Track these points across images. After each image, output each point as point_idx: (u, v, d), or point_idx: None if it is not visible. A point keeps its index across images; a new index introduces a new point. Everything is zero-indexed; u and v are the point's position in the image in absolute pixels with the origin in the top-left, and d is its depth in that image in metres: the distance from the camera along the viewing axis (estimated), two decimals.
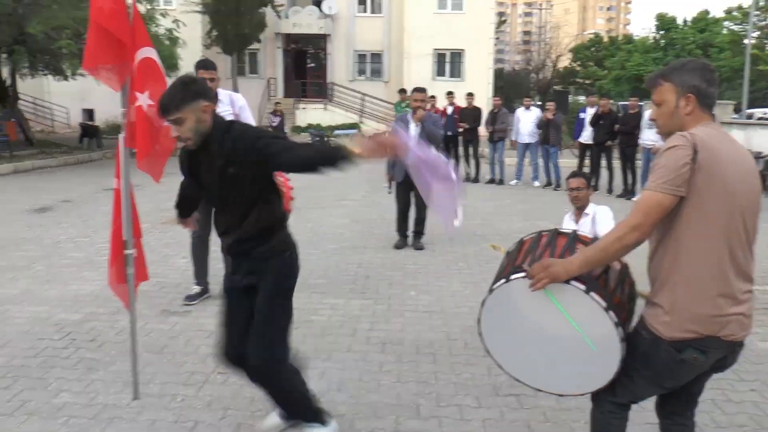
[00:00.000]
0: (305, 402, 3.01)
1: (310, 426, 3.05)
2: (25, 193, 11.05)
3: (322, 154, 2.62)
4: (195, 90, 2.65)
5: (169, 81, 3.01)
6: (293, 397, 2.99)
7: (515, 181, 13.12)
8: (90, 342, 4.25)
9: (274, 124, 18.78)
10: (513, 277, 2.33)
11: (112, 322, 4.59)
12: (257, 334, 2.82)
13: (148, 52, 3.32)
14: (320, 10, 28.42)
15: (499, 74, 37.41)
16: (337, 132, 22.32)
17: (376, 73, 29.81)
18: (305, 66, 30.99)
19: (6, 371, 3.78)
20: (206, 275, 5.16)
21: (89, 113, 26.32)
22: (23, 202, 9.88)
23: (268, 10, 26.02)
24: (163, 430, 3.14)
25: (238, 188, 2.72)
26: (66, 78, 19.70)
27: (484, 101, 22.11)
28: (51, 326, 4.55)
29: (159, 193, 7.77)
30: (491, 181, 13.10)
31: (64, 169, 15.37)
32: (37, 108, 28.15)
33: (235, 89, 22.49)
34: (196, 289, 5.11)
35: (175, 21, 17.30)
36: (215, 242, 5.08)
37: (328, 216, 8.98)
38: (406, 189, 7.01)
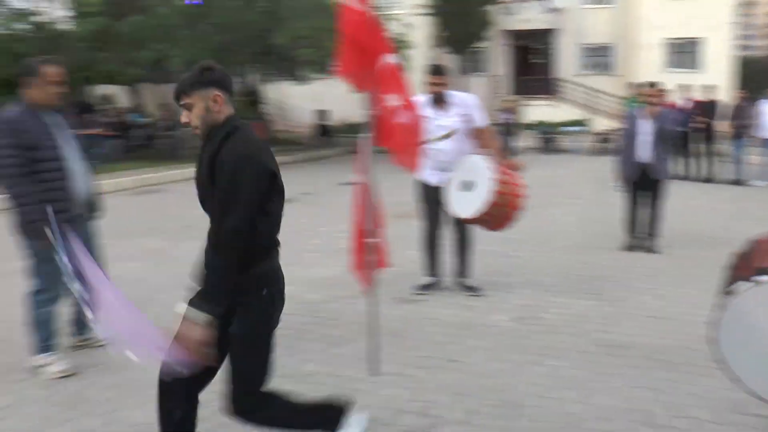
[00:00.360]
0: (309, 417, 2.73)
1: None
2: None
3: (222, 255, 2.35)
4: (210, 77, 2.48)
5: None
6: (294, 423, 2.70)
7: (761, 181, 11.81)
8: (332, 321, 4.67)
9: (506, 121, 18.73)
10: (762, 279, 2.13)
11: (352, 305, 4.97)
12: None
13: (390, 58, 3.58)
14: (547, 5, 27.96)
15: (745, 62, 33.76)
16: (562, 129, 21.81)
17: (604, 67, 28.66)
18: (529, 62, 30.66)
19: None
20: (437, 267, 5.38)
21: (324, 114, 28.47)
22: None
23: (494, 8, 26.17)
24: (399, 406, 3.35)
25: (209, 200, 2.46)
26: (305, 82, 21.54)
27: (724, 93, 20.22)
28: (297, 304, 5.05)
29: (393, 189, 8.22)
30: (735, 182, 11.93)
31: (302, 165, 16.86)
32: (281, 110, 31.13)
33: (464, 89, 22.96)
34: (427, 280, 5.35)
35: (406, 25, 18.08)
36: (445, 236, 5.34)
37: (557, 214, 8.87)
38: (635, 188, 6.69)
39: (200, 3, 14.07)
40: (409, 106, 3.65)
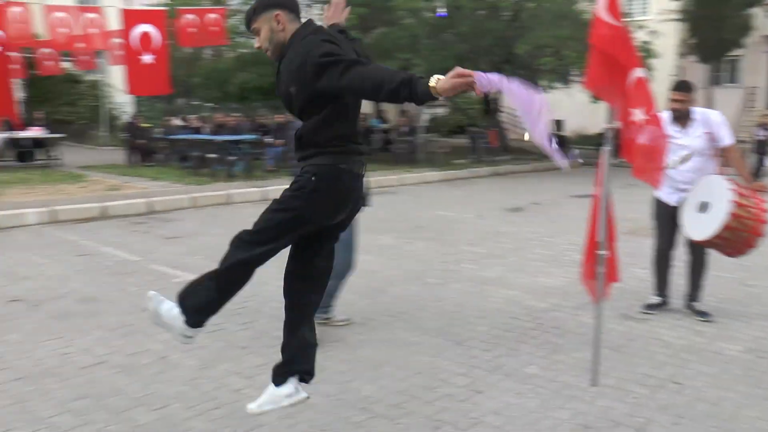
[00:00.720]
0: (204, 297, 2.81)
1: (175, 311, 2.79)
2: (502, 193, 12.57)
3: (399, 80, 2.32)
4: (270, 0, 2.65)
5: None
6: (211, 284, 2.80)
7: None
8: (554, 328, 4.74)
9: (761, 138, 17.04)
10: None
11: (575, 315, 5.01)
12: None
13: (640, 72, 3.58)
14: None
15: None
16: None
17: None
18: None
19: (488, 337, 4.53)
20: (666, 288, 5.20)
21: (558, 124, 28.01)
22: (500, 201, 11.30)
23: (757, 11, 23.73)
24: (616, 419, 3.37)
25: (294, 106, 2.68)
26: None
27: None
28: (521, 309, 5.21)
29: (628, 204, 8.00)
30: None
31: (533, 175, 16.85)
32: (515, 119, 31.19)
33: (710, 102, 21.24)
34: (655, 300, 5.19)
35: (653, 32, 17.21)
36: (678, 257, 5.13)
37: None
38: None
39: (446, 15, 14.68)
40: (654, 122, 3.63)
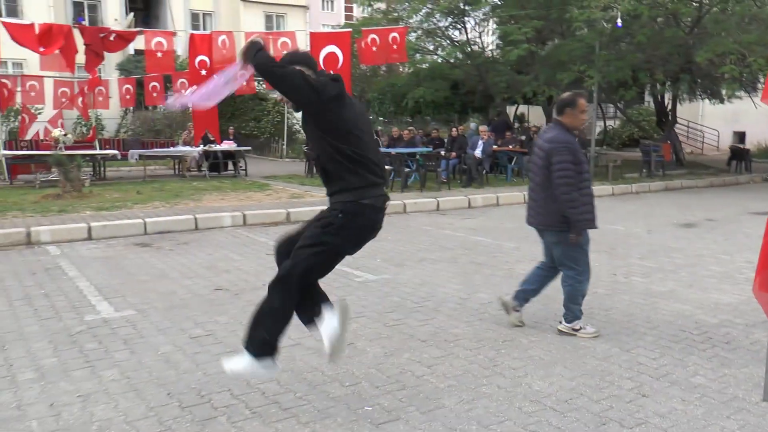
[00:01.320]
0: (266, 331, 3.44)
1: (246, 355, 3.47)
2: (675, 208, 12.19)
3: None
4: (290, 59, 3.47)
5: None
6: (265, 318, 3.45)
7: None
8: (725, 344, 4.76)
9: None
10: None
11: (747, 333, 4.97)
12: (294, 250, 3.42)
13: None
14: None
15: None
16: None
17: None
18: None
19: (655, 347, 4.67)
20: None
21: (740, 136, 26.18)
22: (672, 216, 11.02)
23: None
24: None
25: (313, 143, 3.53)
26: (722, 101, 20.27)
27: None
28: (691, 322, 5.25)
29: None
30: None
31: (709, 190, 16.03)
32: (690, 131, 29.56)
33: None
34: None
35: None
36: None
37: None
38: None
39: (620, 26, 14.46)
40: None
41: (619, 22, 14.11)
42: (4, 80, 17.21)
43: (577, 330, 4.88)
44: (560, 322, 4.97)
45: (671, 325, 5.19)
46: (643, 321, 5.27)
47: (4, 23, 13.53)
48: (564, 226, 4.68)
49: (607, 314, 5.49)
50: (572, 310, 4.90)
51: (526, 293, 5.10)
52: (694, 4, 17.09)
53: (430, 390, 3.90)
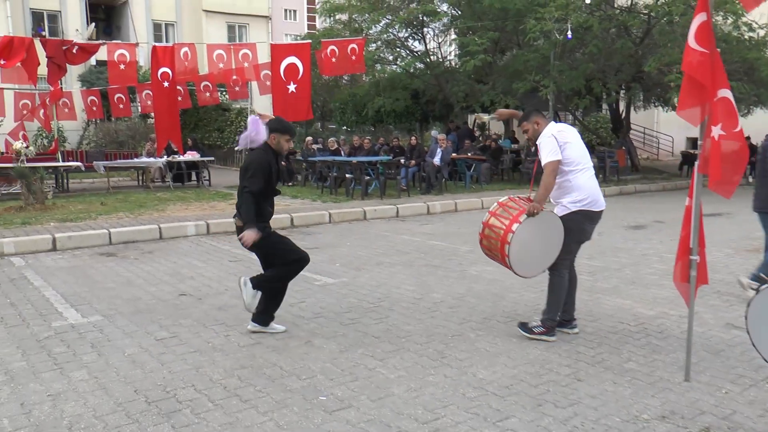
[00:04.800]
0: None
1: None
2: (626, 212, 12.70)
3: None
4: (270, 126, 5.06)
5: None
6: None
7: None
8: (657, 333, 5.14)
9: None
10: None
11: (680, 323, 5.37)
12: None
13: (725, 93, 4.00)
14: None
15: None
16: None
17: None
18: None
19: (594, 337, 5.04)
20: None
21: (693, 142, 27.07)
22: (624, 219, 11.51)
23: None
24: (703, 408, 3.78)
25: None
26: (674, 109, 20.98)
27: None
28: (629, 315, 5.63)
29: (746, 223, 8.10)
30: None
31: (661, 194, 16.67)
32: (646, 137, 30.45)
33: None
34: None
35: None
36: None
37: None
38: None
39: (570, 38, 15.02)
40: (735, 137, 4.02)
41: (569, 34, 14.65)
42: None
43: None
44: None
45: (611, 318, 5.56)
46: (585, 314, 5.63)
47: None
48: None
49: None
50: None
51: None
52: (643, 16, 17.78)
53: (381, 380, 4.19)
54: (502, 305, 5.99)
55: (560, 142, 4.84)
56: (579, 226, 4.92)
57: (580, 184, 4.87)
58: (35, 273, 7.54)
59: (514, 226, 4.72)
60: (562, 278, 4.98)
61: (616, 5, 18.78)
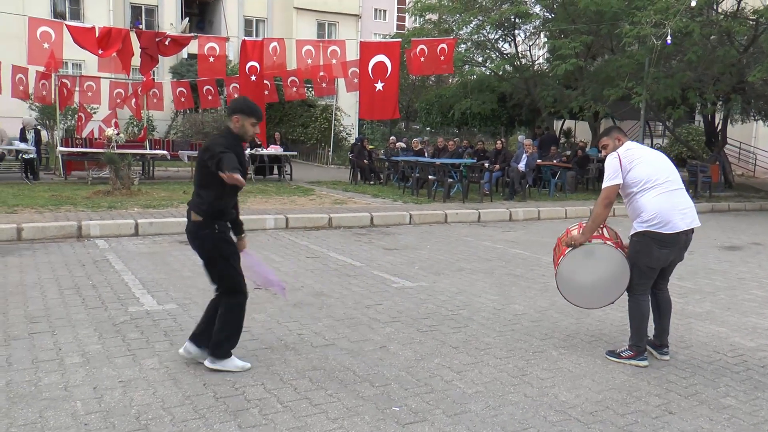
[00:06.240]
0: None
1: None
2: (719, 231, 11.96)
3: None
4: (232, 106, 4.29)
5: None
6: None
7: None
8: (760, 368, 4.71)
9: None
10: None
11: None
12: None
13: None
14: None
15: None
16: None
17: None
18: None
19: (686, 366, 4.66)
20: None
21: None
22: (717, 239, 10.83)
23: None
24: None
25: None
26: None
27: None
28: (724, 345, 5.20)
29: None
30: None
31: (759, 214, 15.65)
32: (742, 152, 28.85)
33: None
34: None
35: None
36: None
37: None
38: None
39: (669, 43, 14.26)
40: None
41: (669, 39, 13.92)
42: (64, 80, 17.89)
43: None
44: None
45: (705, 346, 5.15)
46: (677, 340, 5.24)
47: (67, 26, 14.12)
48: None
49: None
50: None
51: None
52: (750, 22, 16.76)
53: (458, 395, 3.98)
54: (586, 323, 5.66)
55: (625, 162, 4.55)
56: (646, 248, 4.55)
57: (647, 204, 4.52)
58: (117, 256, 7.71)
59: (561, 259, 4.81)
60: (638, 303, 4.66)
61: (720, 10, 17.75)
